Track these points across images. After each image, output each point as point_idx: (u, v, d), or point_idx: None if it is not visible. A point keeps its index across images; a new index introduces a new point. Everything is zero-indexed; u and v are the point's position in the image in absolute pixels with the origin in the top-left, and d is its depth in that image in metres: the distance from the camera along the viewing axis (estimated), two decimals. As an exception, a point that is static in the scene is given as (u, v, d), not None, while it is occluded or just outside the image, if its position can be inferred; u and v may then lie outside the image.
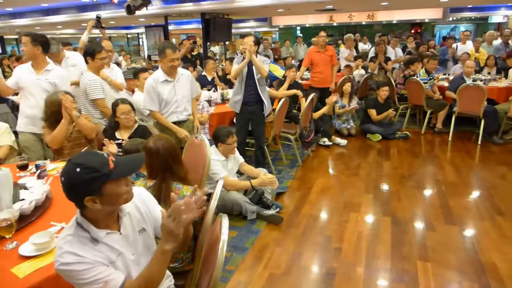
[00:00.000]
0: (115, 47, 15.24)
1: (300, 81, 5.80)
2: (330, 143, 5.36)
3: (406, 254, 2.79)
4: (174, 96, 3.32)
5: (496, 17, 13.63)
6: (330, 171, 4.58)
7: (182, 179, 2.09)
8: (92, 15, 9.32)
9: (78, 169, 1.22)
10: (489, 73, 6.68)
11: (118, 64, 7.98)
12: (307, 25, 15.58)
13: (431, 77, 5.94)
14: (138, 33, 19.25)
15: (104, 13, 9.01)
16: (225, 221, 1.57)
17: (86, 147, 2.96)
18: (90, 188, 1.23)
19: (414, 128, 6.23)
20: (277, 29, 17.11)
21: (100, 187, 1.24)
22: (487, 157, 4.90)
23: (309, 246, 2.94)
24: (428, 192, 3.91)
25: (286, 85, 5.11)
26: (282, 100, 4.34)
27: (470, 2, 10.85)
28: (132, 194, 1.36)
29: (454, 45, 8.08)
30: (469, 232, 3.12)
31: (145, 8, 7.28)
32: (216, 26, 9.15)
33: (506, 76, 6.45)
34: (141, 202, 1.50)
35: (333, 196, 3.84)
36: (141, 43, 19.67)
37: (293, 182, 4.19)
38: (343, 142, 5.42)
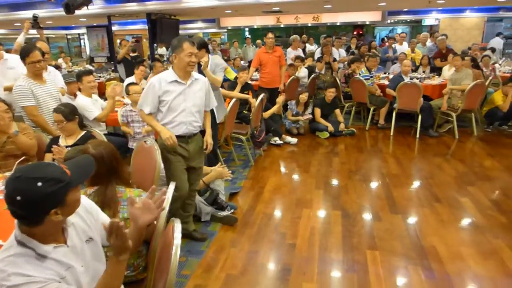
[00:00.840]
0: (54, 49, 14.37)
1: (249, 82, 5.86)
2: (281, 142, 5.47)
3: (356, 244, 2.93)
4: (183, 102, 2.72)
5: (429, 20, 14.71)
6: (282, 169, 4.68)
7: (126, 182, 2.03)
8: (25, 14, 8.68)
9: (39, 183, 1.13)
10: (424, 71, 7.20)
11: (58, 66, 7.50)
12: (255, 26, 15.76)
13: (372, 75, 6.29)
14: (79, 34, 18.27)
15: (40, 12, 8.43)
16: (177, 225, 1.54)
17: (23, 157, 2.75)
18: (56, 200, 1.17)
19: (359, 125, 6.53)
20: (225, 30, 17.10)
21: (64, 197, 1.19)
22: (425, 149, 5.28)
23: (264, 244, 2.97)
24: (374, 184, 4.13)
25: (238, 87, 5.13)
26: (233, 101, 4.35)
27: (406, 6, 11.62)
28: (81, 200, 1.32)
29: (393, 46, 8.61)
30: (411, 219, 3.34)
31: (85, 7, 6.93)
32: (163, 27, 8.94)
33: (439, 74, 6.99)
34: (85, 211, 1.44)
35: (285, 193, 3.92)
36: (82, 45, 18.70)
37: (246, 182, 4.22)
38: (294, 140, 5.55)
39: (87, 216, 1.44)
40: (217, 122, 4.01)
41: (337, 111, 6.06)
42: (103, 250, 1.47)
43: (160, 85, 2.67)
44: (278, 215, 3.48)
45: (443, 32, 12.29)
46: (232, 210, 3.42)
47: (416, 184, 4.16)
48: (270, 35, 5.78)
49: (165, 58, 10.98)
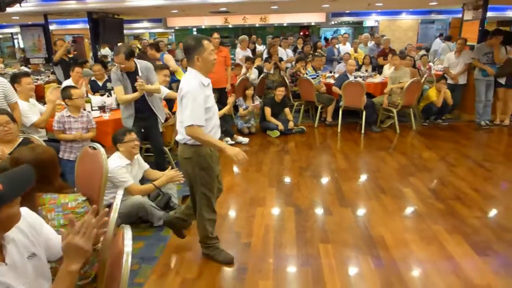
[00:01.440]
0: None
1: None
2: (233, 142, 5.48)
3: (309, 239, 3.01)
4: (214, 104, 2.50)
5: (369, 21, 15.50)
6: (235, 169, 4.68)
7: (58, 189, 1.89)
8: None
9: None
10: (366, 70, 7.58)
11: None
12: (203, 27, 15.60)
13: (317, 74, 6.52)
14: (12, 33, 16.92)
15: (-36, 10, 7.70)
16: (127, 232, 1.49)
17: None
18: None
19: (308, 123, 6.73)
20: (172, 30, 16.75)
21: None
22: (370, 144, 5.57)
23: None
24: (324, 180, 4.28)
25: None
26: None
27: (347, 8, 12.14)
28: (20, 214, 1.21)
29: (337, 46, 8.97)
30: (360, 211, 3.50)
31: (18, 4, 6.43)
32: (106, 26, 8.53)
33: (380, 73, 7.40)
34: (27, 225, 1.33)
35: (239, 193, 3.94)
36: (16, 45, 17.34)
37: (200, 183, 4.16)
38: (245, 140, 5.59)
39: (29, 231, 1.33)
40: (162, 123, 3.95)
41: (287, 110, 6.20)
42: (48, 265, 1.37)
43: (203, 91, 2.35)
44: (232, 215, 3.48)
45: (382, 33, 13.03)
46: (186, 213, 3.36)
47: (363, 177, 4.37)
48: (215, 35, 5.75)
49: (109, 59, 10.53)
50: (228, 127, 5.58)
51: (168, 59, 6.22)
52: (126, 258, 1.38)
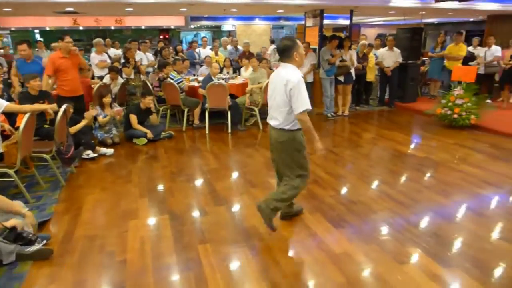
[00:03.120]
0: None
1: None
2: (95, 155, 5.04)
3: (187, 243, 3.00)
4: None
5: (227, 26, 16.20)
6: (101, 184, 4.31)
7: None
8: None
9: None
10: (228, 72, 7.91)
11: None
12: (48, 28, 13.85)
13: (181, 79, 6.51)
14: None
15: None
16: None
17: None
18: None
19: (176, 127, 6.66)
20: (8, 31, 14.36)
21: None
22: (237, 142, 5.85)
23: (91, 270, 2.69)
24: (197, 182, 4.31)
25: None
26: (27, 115, 3.71)
27: (205, 13, 12.43)
28: None
29: (197, 50, 9.10)
30: (234, 207, 3.65)
31: None
32: None
33: (239, 74, 7.81)
34: None
35: (108, 209, 3.65)
36: None
37: (59, 205, 3.70)
38: (110, 151, 5.20)
39: None
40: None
41: (153, 116, 6.00)
42: None
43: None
44: (103, 234, 3.20)
45: (239, 36, 13.80)
46: (45, 242, 2.94)
47: (234, 174, 4.56)
48: (68, 38, 5.18)
49: None
50: (87, 139, 5.09)
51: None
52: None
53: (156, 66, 7.74)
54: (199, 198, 3.87)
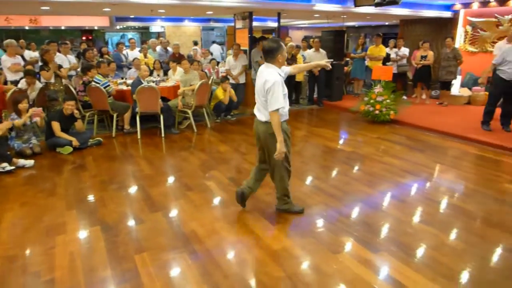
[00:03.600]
0: None
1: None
2: (13, 167, 4.57)
3: (122, 254, 2.86)
4: (286, 91, 3.19)
5: (155, 27, 15.71)
6: (21, 199, 3.91)
7: None
8: None
9: None
10: (158, 75, 7.68)
11: None
12: None
13: (108, 84, 6.14)
14: None
15: None
16: None
17: None
18: None
19: (105, 133, 6.31)
20: None
21: None
22: (171, 146, 5.71)
23: (11, 293, 2.44)
24: (130, 189, 4.12)
25: None
26: None
27: (131, 13, 11.93)
28: None
29: (124, 52, 8.71)
30: (170, 213, 3.56)
31: None
32: None
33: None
34: None
35: (30, 225, 3.33)
36: None
37: (-30, 226, 3.30)
38: (30, 162, 4.75)
39: None
40: None
41: (78, 122, 5.60)
42: None
43: (282, 80, 3.07)
44: (25, 254, 2.92)
45: (169, 38, 13.48)
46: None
47: (169, 179, 4.44)
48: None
49: None
50: (2, 150, 4.60)
51: None
52: None
53: (79, 69, 7.25)
54: (133, 206, 3.71)
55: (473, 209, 3.59)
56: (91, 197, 3.91)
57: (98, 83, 5.97)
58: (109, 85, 6.08)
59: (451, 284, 2.49)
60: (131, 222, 3.37)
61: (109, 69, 7.21)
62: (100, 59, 7.74)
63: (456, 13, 9.64)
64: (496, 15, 8.55)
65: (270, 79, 2.98)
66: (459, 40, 9.56)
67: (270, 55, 3.08)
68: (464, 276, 2.59)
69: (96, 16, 12.59)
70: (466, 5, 9.30)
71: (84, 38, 15.16)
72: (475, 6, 9.06)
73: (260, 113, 3.19)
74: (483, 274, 2.61)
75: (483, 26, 8.94)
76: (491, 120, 6.22)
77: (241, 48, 7.83)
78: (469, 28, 9.30)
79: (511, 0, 8.28)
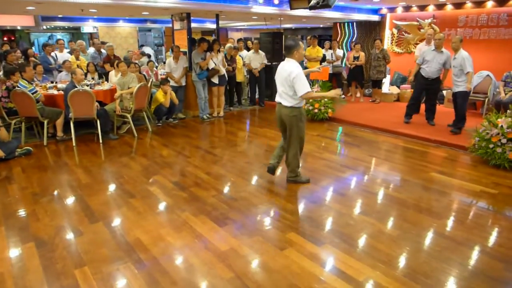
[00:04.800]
0: None
1: None
2: None
3: (61, 270, 2.67)
4: None
5: (87, 27, 14.83)
6: None
7: None
8: None
9: None
10: (92, 78, 7.28)
11: None
12: None
13: (35, 90, 5.68)
14: None
15: None
16: None
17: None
18: None
19: (35, 141, 5.85)
20: None
21: None
22: (110, 152, 5.44)
23: None
24: (67, 200, 3.86)
25: None
26: None
27: (59, 13, 11.14)
28: None
29: (53, 53, 8.12)
30: (112, 222, 3.40)
31: None
32: None
33: (107, 80, 7.28)
34: None
35: (-52, 248, 2.98)
36: None
37: None
38: None
39: None
40: None
41: (2, 131, 5.10)
42: None
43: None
44: None
45: (102, 39, 12.81)
46: None
47: (109, 187, 4.23)
48: None
49: None
50: None
51: None
52: None
53: (1, 73, 6.62)
54: (71, 218, 3.48)
55: (405, 198, 3.89)
56: (21, 212, 3.59)
57: (24, 88, 5.49)
58: (36, 91, 5.62)
59: (390, 269, 2.67)
60: (69, 235, 3.15)
61: (37, 72, 6.69)
62: (23, 62, 7.14)
63: (383, 16, 10.35)
64: (417, 18, 9.33)
65: (294, 70, 3.65)
66: (387, 42, 10.27)
67: (289, 51, 3.77)
68: (401, 260, 2.80)
69: (18, 15, 11.58)
70: (391, 10, 10.03)
71: (5, 38, 13.87)
72: (399, 10, 9.81)
73: (283, 99, 3.87)
74: (417, 257, 2.84)
75: (407, 29, 9.69)
76: (412, 113, 6.91)
77: (181, 50, 7.69)
78: (395, 30, 10.03)
79: (429, 5, 9.09)
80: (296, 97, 3.76)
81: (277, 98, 3.97)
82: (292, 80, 3.66)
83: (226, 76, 7.77)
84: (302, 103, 3.89)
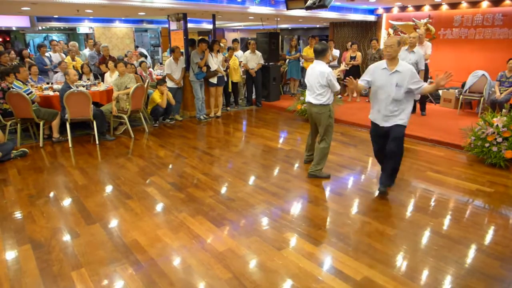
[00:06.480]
0: None
1: None
2: None
3: (57, 272, 2.66)
4: None
5: (83, 28, 14.78)
6: None
7: None
8: None
9: None
10: (88, 79, 7.25)
11: None
12: None
13: (29, 89, 5.64)
14: None
15: None
16: None
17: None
18: None
19: (31, 143, 5.82)
20: None
21: None
22: (107, 153, 5.42)
23: None
24: (63, 202, 3.85)
25: None
26: None
27: (54, 13, 11.09)
28: None
29: (47, 54, 8.09)
30: (109, 223, 3.38)
31: None
32: None
33: (103, 80, 7.25)
34: None
35: None
36: None
37: None
38: None
39: None
40: None
41: (-2, 132, 5.09)
42: None
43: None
44: None
45: (98, 40, 12.76)
46: None
47: (106, 188, 4.22)
48: None
49: None
50: None
51: None
52: None
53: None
54: (68, 219, 3.46)
55: (402, 197, 3.90)
56: (17, 214, 3.57)
57: (20, 89, 5.46)
58: (31, 92, 5.59)
59: (387, 268, 2.68)
60: (65, 237, 3.14)
61: (33, 73, 6.66)
62: (18, 63, 7.10)
63: (379, 16, 10.39)
64: (413, 18, 9.36)
65: (326, 70, 4.10)
66: (383, 42, 10.31)
67: (321, 54, 4.19)
68: (398, 259, 2.80)
69: (13, 15, 11.52)
70: (387, 10, 10.06)
71: (0, 39, 13.80)
72: (395, 10, 9.85)
73: (314, 99, 4.26)
74: (414, 256, 2.85)
75: (403, 29, 9.72)
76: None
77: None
78: (391, 30, 10.06)
79: (425, 6, 9.13)
80: (328, 95, 4.20)
81: (307, 98, 4.41)
82: (327, 79, 4.11)
83: (225, 77, 7.80)
84: (332, 100, 4.26)
